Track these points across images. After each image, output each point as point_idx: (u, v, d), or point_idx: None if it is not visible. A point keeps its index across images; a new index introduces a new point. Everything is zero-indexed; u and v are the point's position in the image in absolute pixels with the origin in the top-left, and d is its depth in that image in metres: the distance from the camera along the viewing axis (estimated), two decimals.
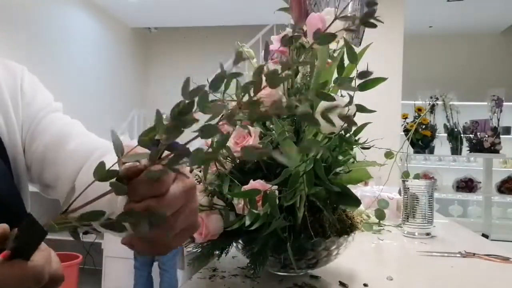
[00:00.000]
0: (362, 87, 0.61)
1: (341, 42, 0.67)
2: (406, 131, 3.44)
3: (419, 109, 3.60)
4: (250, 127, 0.66)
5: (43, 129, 0.65)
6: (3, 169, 0.57)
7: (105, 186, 0.32)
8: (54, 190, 0.64)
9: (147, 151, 0.32)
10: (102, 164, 0.31)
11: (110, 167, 0.32)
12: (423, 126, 3.58)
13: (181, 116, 0.29)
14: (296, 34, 0.51)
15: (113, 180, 0.32)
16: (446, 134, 3.74)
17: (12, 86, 0.64)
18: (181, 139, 0.31)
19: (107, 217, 0.31)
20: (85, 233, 3.43)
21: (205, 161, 0.31)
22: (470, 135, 3.52)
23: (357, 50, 0.64)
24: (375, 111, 0.62)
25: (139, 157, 0.32)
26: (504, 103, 3.52)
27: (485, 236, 2.22)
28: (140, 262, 2.96)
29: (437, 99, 3.68)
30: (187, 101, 0.29)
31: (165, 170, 0.31)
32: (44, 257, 0.30)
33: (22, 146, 0.64)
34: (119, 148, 0.32)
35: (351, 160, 0.70)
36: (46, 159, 0.63)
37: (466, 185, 3.60)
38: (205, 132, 0.29)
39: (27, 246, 0.30)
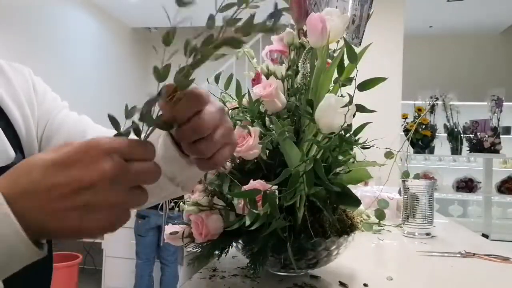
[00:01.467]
0: (362, 87, 0.61)
1: (341, 42, 0.67)
2: (406, 131, 3.43)
3: (419, 109, 3.59)
4: (250, 127, 0.66)
5: (59, 125, 0.67)
6: None
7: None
8: None
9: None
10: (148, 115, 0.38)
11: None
12: (423, 126, 3.57)
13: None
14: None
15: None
16: (446, 134, 3.74)
17: (25, 86, 0.66)
18: None
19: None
20: None
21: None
22: (470, 135, 3.51)
23: (357, 50, 0.64)
24: (375, 111, 0.62)
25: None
26: (504, 103, 3.51)
27: (485, 236, 2.22)
28: (143, 261, 2.97)
29: (437, 99, 3.68)
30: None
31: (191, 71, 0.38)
32: None
33: (38, 144, 0.66)
34: (163, 91, 0.39)
35: (351, 160, 0.70)
36: None
37: (466, 185, 3.60)
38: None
39: None
